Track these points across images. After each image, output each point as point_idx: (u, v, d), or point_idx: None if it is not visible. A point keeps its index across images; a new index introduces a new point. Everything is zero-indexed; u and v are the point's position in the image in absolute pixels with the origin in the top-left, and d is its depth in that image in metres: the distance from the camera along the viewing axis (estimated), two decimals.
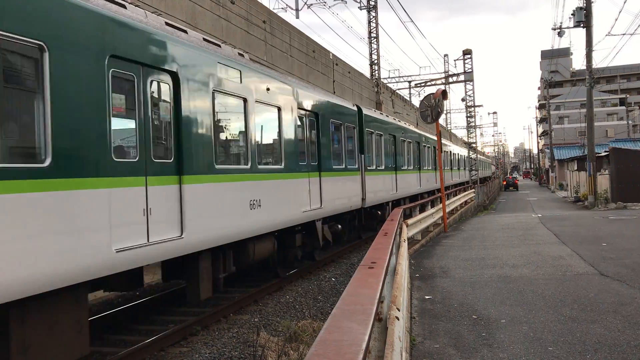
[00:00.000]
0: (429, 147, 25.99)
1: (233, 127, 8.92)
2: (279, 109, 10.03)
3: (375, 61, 34.64)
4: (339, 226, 13.35)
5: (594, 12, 27.04)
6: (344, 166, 13.61)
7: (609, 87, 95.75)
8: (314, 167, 11.65)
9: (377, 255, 4.49)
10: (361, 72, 32.79)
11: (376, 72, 34.59)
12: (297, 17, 27.52)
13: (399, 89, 42.50)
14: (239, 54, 9.50)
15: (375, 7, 33.63)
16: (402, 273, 5.96)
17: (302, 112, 11.25)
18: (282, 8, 28.73)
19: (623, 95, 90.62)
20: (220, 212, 7.84)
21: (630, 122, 78.34)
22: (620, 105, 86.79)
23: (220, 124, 8.32)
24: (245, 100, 8.78)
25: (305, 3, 27.93)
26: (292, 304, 9.72)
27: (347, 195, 13.72)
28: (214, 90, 7.85)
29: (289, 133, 10.37)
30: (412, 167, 21.77)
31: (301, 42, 23.01)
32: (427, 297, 8.42)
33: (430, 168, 25.94)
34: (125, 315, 8.65)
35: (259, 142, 9.44)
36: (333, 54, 26.94)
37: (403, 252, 7.67)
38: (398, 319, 3.96)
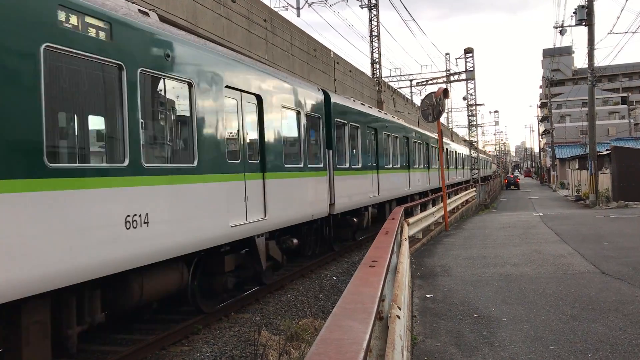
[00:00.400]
0: (420, 144, 23.63)
1: (92, 105, 6.25)
2: (190, 86, 7.29)
3: (377, 60, 34.67)
4: (295, 240, 10.68)
5: (596, 11, 27.06)
6: (302, 165, 10.91)
7: (611, 86, 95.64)
8: (255, 166, 8.92)
9: (378, 254, 4.49)
10: (362, 70, 32.80)
11: (377, 70, 34.62)
12: (298, 15, 27.60)
13: (400, 88, 42.57)
14: (141, 10, 6.93)
15: (376, 6, 33.67)
16: (403, 272, 5.96)
17: (235, 92, 8.49)
18: (283, 7, 28.81)
19: (625, 94, 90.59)
20: (61, 236, 5.20)
21: (632, 120, 78.29)
22: (622, 104, 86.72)
23: (58, 99, 5.64)
24: (120, 67, 6.06)
25: (307, 1, 27.96)
26: (294, 303, 9.73)
27: (308, 200, 11.06)
28: (47, 47, 5.17)
29: (209, 120, 7.60)
30: (399, 166, 19.22)
31: (302, 41, 23.00)
32: (428, 295, 8.42)
33: (422, 166, 23.68)
34: (125, 314, 8.65)
35: (150, 130, 6.84)
36: (334, 53, 26.93)
37: (404, 251, 7.67)
38: (399, 318, 3.96)
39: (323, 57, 25.41)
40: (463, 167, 40.58)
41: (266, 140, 9.37)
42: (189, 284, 7.73)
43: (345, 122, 13.77)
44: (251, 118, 9.14)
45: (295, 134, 11.01)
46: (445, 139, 30.64)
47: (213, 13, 15.87)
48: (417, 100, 39.42)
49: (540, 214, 24.52)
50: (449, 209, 19.99)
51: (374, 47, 34.60)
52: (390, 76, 41.73)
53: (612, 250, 12.08)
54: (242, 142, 8.69)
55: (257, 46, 18.56)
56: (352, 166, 14.09)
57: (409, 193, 20.67)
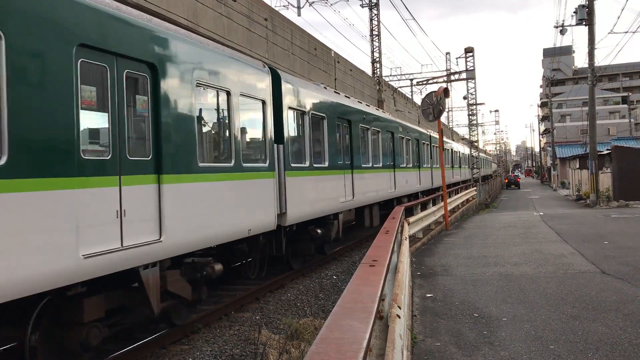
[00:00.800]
0: (409, 140, 21.26)
1: None
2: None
3: (377, 59, 34.66)
4: (218, 266, 7.94)
5: (596, 10, 27.07)
6: (231, 163, 8.18)
7: (611, 85, 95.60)
8: (143, 165, 6.32)
9: (379, 253, 4.49)
10: (363, 70, 32.78)
11: (378, 70, 34.62)
12: (299, 14, 27.58)
13: (400, 87, 42.59)
14: None
15: (377, 5, 33.67)
16: (404, 271, 5.96)
17: (102, 56, 5.82)
18: (283, 5, 28.75)
19: (625, 94, 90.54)
20: None
21: (632, 120, 78.28)
22: (622, 104, 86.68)
23: None
24: None
25: (307, 1, 27.96)
26: (294, 302, 9.73)
27: (240, 211, 8.37)
28: None
29: (37, 94, 5.03)
30: (381, 165, 16.75)
31: (303, 40, 22.99)
32: (428, 295, 8.42)
33: (411, 166, 21.40)
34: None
35: None
36: (335, 52, 26.91)
37: (404, 250, 7.67)
38: (399, 317, 3.96)
39: (324, 56, 25.40)
40: (460, 167, 39.37)
41: (164, 128, 6.61)
42: (28, 341, 5.45)
43: (304, 110, 11.15)
44: (137, 96, 6.48)
45: (221, 123, 8.31)
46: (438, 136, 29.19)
47: (214, 12, 15.86)
48: (418, 100, 39.44)
49: (541, 213, 24.52)
50: (449, 208, 19.98)
51: (374, 46, 34.60)
52: (390, 75, 41.81)
53: (613, 249, 12.08)
54: (116, 130, 5.96)
55: (258, 45, 18.56)
56: (315, 165, 11.48)
57: (395, 196, 18.33)
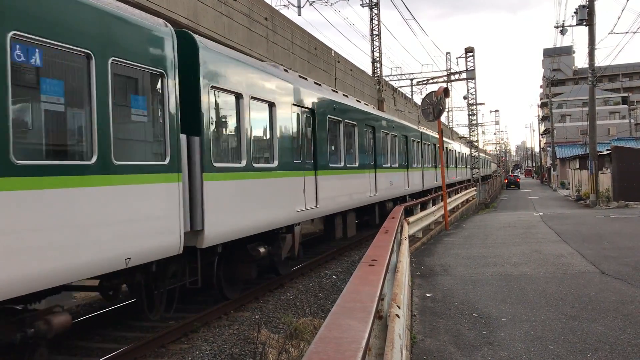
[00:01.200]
0: (394, 136, 18.70)
1: None
2: None
3: (377, 59, 34.66)
4: (56, 319, 5.43)
5: (597, 10, 27.08)
6: (93, 161, 5.52)
7: (612, 86, 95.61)
8: None
9: (378, 253, 4.49)
10: (363, 69, 32.77)
11: (378, 69, 34.61)
12: (299, 14, 27.57)
13: (400, 87, 42.57)
14: None
15: (377, 5, 33.67)
16: (403, 271, 5.96)
17: None
18: (284, 5, 28.80)
19: (625, 94, 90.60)
20: None
21: (632, 120, 78.33)
22: (622, 104, 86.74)
23: None
24: None
25: (307, 0, 27.95)
26: (293, 301, 9.74)
27: (114, 231, 5.74)
28: None
29: None
30: (356, 164, 14.18)
31: (303, 40, 22.99)
32: (427, 295, 8.42)
33: (397, 166, 18.89)
34: (126, 313, 8.67)
35: None
36: (335, 52, 26.91)
37: (404, 250, 7.67)
38: (398, 317, 3.96)
39: (324, 56, 25.39)
40: (457, 167, 37.73)
41: None
42: None
43: (240, 92, 8.44)
44: None
45: (70, 100, 5.63)
46: (430, 133, 26.94)
47: (214, 11, 15.86)
48: (418, 100, 39.39)
49: (541, 213, 24.53)
50: (449, 208, 19.97)
51: (374, 46, 34.60)
52: (390, 75, 41.80)
53: (612, 250, 12.09)
54: None
55: (258, 44, 18.56)
56: (257, 165, 8.99)
57: (375, 200, 15.89)
